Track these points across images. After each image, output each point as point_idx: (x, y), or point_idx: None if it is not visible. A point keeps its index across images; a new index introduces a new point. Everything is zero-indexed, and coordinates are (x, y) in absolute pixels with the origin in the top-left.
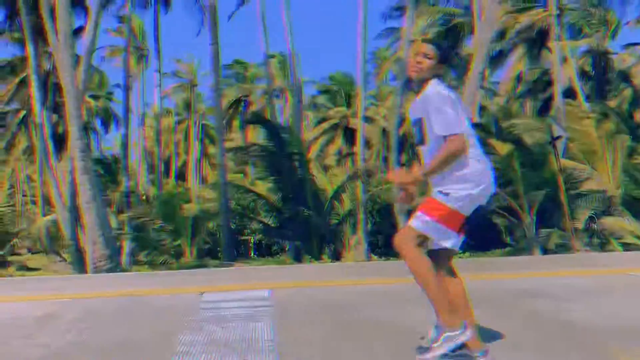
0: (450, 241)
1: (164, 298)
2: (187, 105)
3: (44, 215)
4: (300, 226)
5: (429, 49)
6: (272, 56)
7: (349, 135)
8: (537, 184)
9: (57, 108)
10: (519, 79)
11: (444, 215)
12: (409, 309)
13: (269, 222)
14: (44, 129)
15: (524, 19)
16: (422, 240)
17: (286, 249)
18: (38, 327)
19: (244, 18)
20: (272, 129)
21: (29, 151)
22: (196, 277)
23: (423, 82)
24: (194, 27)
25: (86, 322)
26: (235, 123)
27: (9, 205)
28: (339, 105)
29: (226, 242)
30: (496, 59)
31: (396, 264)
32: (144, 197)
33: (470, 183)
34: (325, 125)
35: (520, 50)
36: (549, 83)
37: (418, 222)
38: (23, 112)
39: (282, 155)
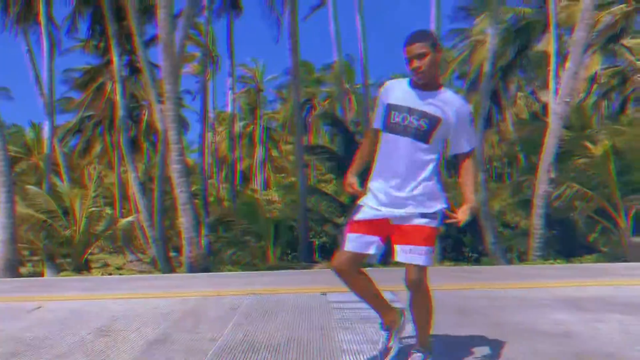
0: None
1: (291, 297)
2: (252, 110)
3: (122, 216)
4: None
5: (419, 46)
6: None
7: None
8: (634, 187)
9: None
10: (593, 79)
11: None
12: (536, 313)
13: (342, 225)
14: (128, 134)
15: (604, 16)
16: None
17: None
18: (196, 322)
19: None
20: (345, 130)
21: (101, 154)
22: (302, 277)
23: (433, 80)
24: (262, 32)
25: (236, 318)
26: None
27: (96, 207)
28: None
29: (303, 244)
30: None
31: (486, 269)
32: (213, 199)
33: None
34: None
35: (593, 49)
36: (624, 82)
37: (427, 257)
38: (98, 118)
39: (348, 157)
